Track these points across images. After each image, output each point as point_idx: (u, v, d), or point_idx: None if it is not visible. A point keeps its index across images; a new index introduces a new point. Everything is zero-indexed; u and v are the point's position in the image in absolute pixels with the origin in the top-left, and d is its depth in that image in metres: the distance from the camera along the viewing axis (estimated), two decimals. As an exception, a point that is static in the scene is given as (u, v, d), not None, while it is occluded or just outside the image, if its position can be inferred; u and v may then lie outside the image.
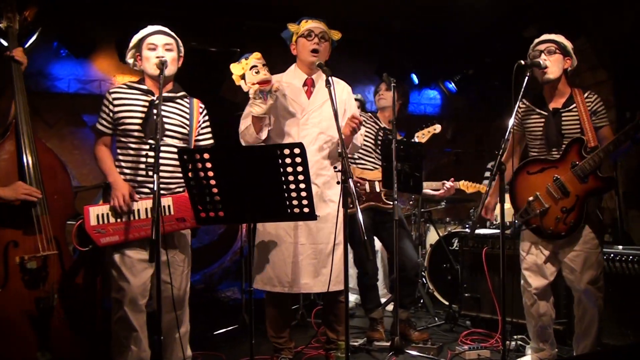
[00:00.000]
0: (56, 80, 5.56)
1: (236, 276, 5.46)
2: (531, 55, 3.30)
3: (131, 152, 3.04)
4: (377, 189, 4.10)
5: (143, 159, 3.03)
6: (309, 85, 3.45)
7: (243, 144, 3.35)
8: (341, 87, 3.54)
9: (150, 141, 2.98)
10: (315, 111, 3.38)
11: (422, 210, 5.46)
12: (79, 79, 5.65)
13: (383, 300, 4.68)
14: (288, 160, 2.51)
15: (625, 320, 3.68)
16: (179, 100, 3.18)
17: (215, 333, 4.44)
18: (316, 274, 3.31)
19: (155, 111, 2.92)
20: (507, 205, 4.31)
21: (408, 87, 3.99)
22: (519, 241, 3.55)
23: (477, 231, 4.74)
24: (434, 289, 5.36)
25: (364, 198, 4.10)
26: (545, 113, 3.36)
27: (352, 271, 4.61)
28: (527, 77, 3.18)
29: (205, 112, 3.26)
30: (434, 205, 5.81)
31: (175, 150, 3.04)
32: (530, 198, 3.35)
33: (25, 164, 3.03)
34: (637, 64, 5.28)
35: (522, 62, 3.17)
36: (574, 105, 3.28)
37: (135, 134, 3.03)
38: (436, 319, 4.79)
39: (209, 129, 3.27)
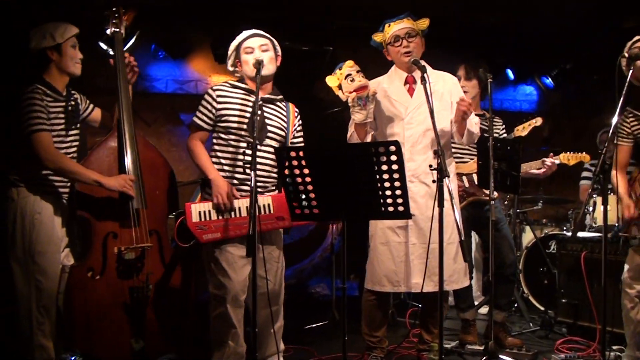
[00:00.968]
0: (154, 81, 5.81)
1: (326, 272, 5.50)
2: (632, 54, 3.06)
3: (231, 149, 3.13)
4: (475, 181, 3.98)
5: (241, 157, 3.11)
6: (411, 83, 3.41)
7: None
8: (445, 79, 3.46)
9: (250, 139, 3.05)
10: (419, 108, 3.33)
11: (518, 210, 5.29)
12: (176, 79, 5.87)
13: (477, 302, 4.56)
14: (383, 158, 2.48)
15: None
16: (278, 103, 3.26)
17: (305, 328, 4.49)
18: (429, 274, 3.24)
19: (258, 111, 2.99)
20: (609, 207, 4.10)
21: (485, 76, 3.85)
22: (620, 245, 3.35)
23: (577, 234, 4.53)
24: (529, 293, 5.17)
25: (464, 195, 4.00)
26: None
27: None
28: (630, 72, 2.96)
29: (299, 116, 3.35)
30: (530, 205, 5.61)
31: (272, 150, 3.11)
32: None
33: (126, 160, 3.18)
34: None
35: (626, 54, 2.98)
36: None
37: (236, 131, 3.12)
38: (531, 324, 4.62)
39: (302, 134, 3.37)
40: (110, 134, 3.27)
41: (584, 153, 4.41)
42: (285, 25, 5.39)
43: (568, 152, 4.40)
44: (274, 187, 3.23)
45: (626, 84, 2.90)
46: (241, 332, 3.13)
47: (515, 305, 4.98)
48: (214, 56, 5.57)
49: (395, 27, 3.32)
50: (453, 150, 4.03)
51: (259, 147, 3.01)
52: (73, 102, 3.17)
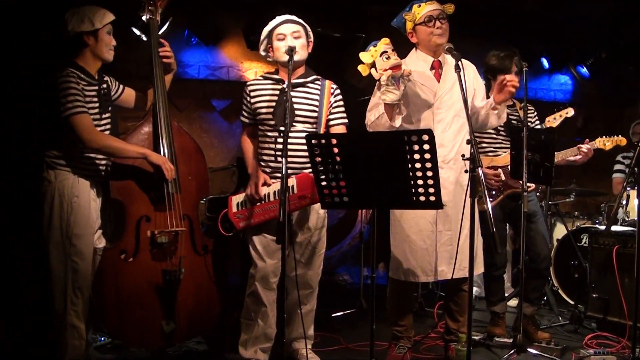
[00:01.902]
0: (187, 67, 5.84)
1: (354, 260, 5.50)
2: None
3: (267, 139, 3.24)
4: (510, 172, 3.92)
5: (274, 145, 3.20)
6: (437, 67, 3.37)
7: None
8: (468, 68, 3.41)
9: (281, 127, 3.07)
10: (447, 94, 3.30)
11: (550, 202, 5.21)
12: (208, 65, 5.89)
13: (506, 294, 4.52)
14: (416, 147, 2.46)
15: None
16: (309, 85, 3.27)
17: (333, 316, 4.50)
18: (451, 260, 3.23)
19: (285, 98, 3.01)
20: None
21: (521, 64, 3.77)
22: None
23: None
24: (559, 286, 5.10)
25: (502, 188, 3.94)
26: None
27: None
28: None
29: (337, 92, 3.34)
30: (562, 197, 5.52)
31: (304, 135, 3.10)
32: None
33: (161, 145, 3.21)
34: None
35: None
36: None
37: (267, 121, 3.21)
38: (560, 318, 4.56)
39: (342, 109, 3.34)
40: (145, 119, 3.31)
41: (619, 136, 4.31)
42: (317, 11, 5.36)
43: (604, 137, 4.30)
44: (308, 171, 3.24)
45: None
46: (272, 314, 3.22)
47: (545, 298, 4.92)
48: (246, 43, 5.57)
49: (427, 8, 3.28)
50: (485, 143, 4.00)
51: (290, 133, 3.02)
52: (105, 86, 3.20)
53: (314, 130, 3.24)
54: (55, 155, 3.06)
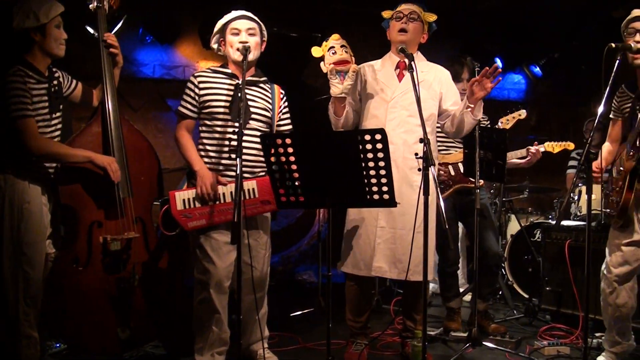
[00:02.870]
0: (141, 66, 5.74)
1: (313, 259, 5.52)
2: (626, 33, 3.10)
3: (216, 135, 3.11)
4: (461, 169, 4.00)
5: (227, 142, 3.10)
6: (402, 68, 3.40)
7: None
8: (437, 72, 3.46)
9: (235, 124, 3.03)
10: (405, 94, 3.32)
11: (504, 199, 5.32)
12: (164, 64, 5.81)
13: (461, 290, 4.59)
14: (369, 146, 2.49)
15: None
16: (262, 85, 3.24)
17: (291, 315, 4.51)
18: (393, 260, 3.27)
19: (240, 95, 2.97)
20: (594, 196, 4.13)
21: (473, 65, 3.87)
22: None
23: (561, 223, 4.56)
24: (513, 281, 5.21)
25: (450, 183, 4.02)
26: (633, 96, 3.18)
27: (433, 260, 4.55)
28: (617, 62, 2.97)
29: (285, 98, 3.31)
30: (516, 194, 5.64)
31: (258, 134, 3.09)
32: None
33: (111, 145, 3.10)
34: None
35: (613, 45, 2.98)
36: None
37: (221, 117, 3.10)
38: (515, 312, 4.66)
39: (288, 115, 3.34)
40: (93, 118, 3.18)
41: (568, 142, 4.44)
42: (274, 11, 5.34)
43: (552, 142, 4.42)
44: (262, 172, 3.18)
45: (612, 74, 2.92)
46: (225, 318, 3.13)
47: (500, 292, 5.03)
48: (202, 41, 5.51)
49: (404, 6, 3.35)
50: (437, 142, 4.05)
51: (244, 131, 2.98)
52: (56, 82, 3.06)
53: (268, 130, 3.21)
54: (4, 159, 2.91)
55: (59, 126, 3.07)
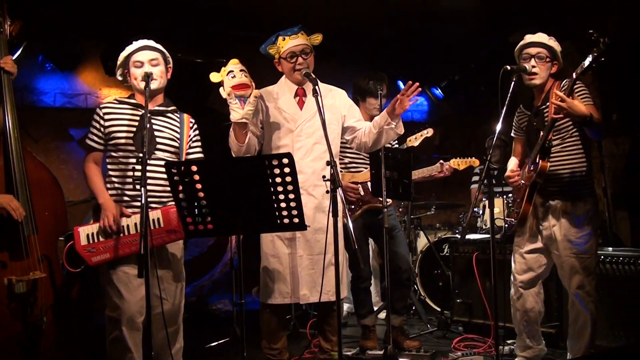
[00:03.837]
0: (42, 95, 5.53)
1: (226, 288, 5.42)
2: (520, 57, 3.30)
3: (122, 166, 3.05)
4: (370, 189, 4.08)
5: (130, 173, 3.03)
6: (301, 95, 3.43)
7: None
8: (336, 93, 3.51)
9: (140, 155, 2.96)
10: (309, 121, 3.36)
11: (412, 216, 5.47)
12: (65, 92, 5.62)
13: (375, 308, 4.66)
14: (277, 171, 2.50)
15: (618, 322, 3.68)
16: (169, 115, 3.19)
17: (207, 346, 4.39)
18: (313, 284, 3.29)
19: (147, 125, 2.92)
20: (497, 209, 4.33)
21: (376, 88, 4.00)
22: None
23: (467, 236, 4.74)
24: (425, 295, 5.35)
25: (360, 203, 4.08)
26: (529, 113, 3.39)
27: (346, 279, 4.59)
28: (513, 82, 3.17)
29: (195, 126, 3.27)
30: (424, 211, 5.81)
31: (163, 163, 3.02)
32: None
33: (14, 180, 2.94)
34: (622, 66, 5.32)
35: (508, 67, 3.18)
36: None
37: (125, 147, 3.05)
38: (428, 325, 4.77)
39: (199, 144, 3.27)
40: None
41: (473, 158, 4.63)
42: (178, 36, 5.30)
43: (458, 158, 4.60)
44: (171, 202, 3.08)
45: (509, 94, 3.11)
46: (138, 356, 3.01)
47: (413, 308, 5.14)
48: (105, 68, 5.37)
49: (290, 42, 3.31)
50: (348, 159, 4.13)
51: (149, 161, 2.96)
52: None
53: (175, 159, 3.15)
54: None
55: None
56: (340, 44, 5.50)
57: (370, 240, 4.36)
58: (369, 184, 4.08)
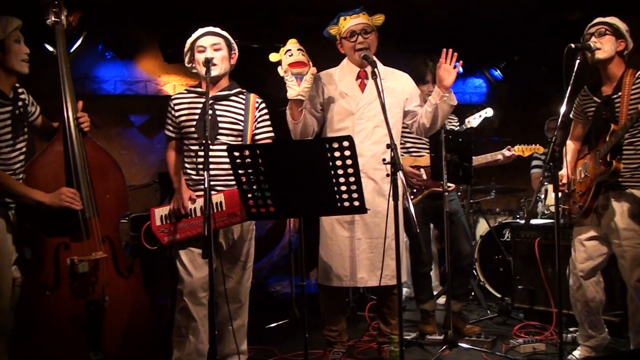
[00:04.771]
0: (102, 83, 5.68)
1: (285, 271, 5.48)
2: (584, 40, 3.18)
3: (192, 153, 3.19)
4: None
5: (198, 159, 3.15)
6: (362, 77, 3.41)
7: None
8: (398, 76, 3.48)
9: (201, 140, 3.03)
10: (370, 104, 3.33)
11: (471, 201, 5.37)
12: (125, 80, 5.75)
13: (435, 293, 4.62)
14: (337, 154, 2.48)
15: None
16: (233, 98, 3.23)
17: (266, 327, 4.46)
18: (372, 268, 3.29)
19: (210, 111, 2.99)
20: (561, 194, 4.19)
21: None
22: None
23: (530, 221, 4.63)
24: (485, 281, 5.27)
25: (422, 187, 4.04)
26: (599, 100, 3.24)
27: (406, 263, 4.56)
28: (577, 62, 3.04)
29: (262, 106, 3.31)
30: (483, 195, 5.71)
31: None
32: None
33: (73, 165, 3.00)
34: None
35: (572, 45, 3.06)
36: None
37: (192, 134, 3.17)
38: (488, 311, 4.71)
39: (267, 123, 3.31)
40: (55, 137, 3.07)
41: (537, 145, 4.51)
42: (236, 22, 5.32)
43: (522, 145, 4.48)
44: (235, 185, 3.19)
45: (573, 75, 2.98)
46: (204, 330, 3.12)
47: (473, 293, 5.07)
48: (163, 55, 5.47)
49: (351, 22, 3.32)
50: (409, 144, 4.08)
51: (213, 146, 3.06)
52: (21, 103, 2.94)
53: (234, 143, 3.19)
54: None
55: (24, 150, 2.95)
56: (397, 26, 5.41)
57: (432, 226, 4.31)
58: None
